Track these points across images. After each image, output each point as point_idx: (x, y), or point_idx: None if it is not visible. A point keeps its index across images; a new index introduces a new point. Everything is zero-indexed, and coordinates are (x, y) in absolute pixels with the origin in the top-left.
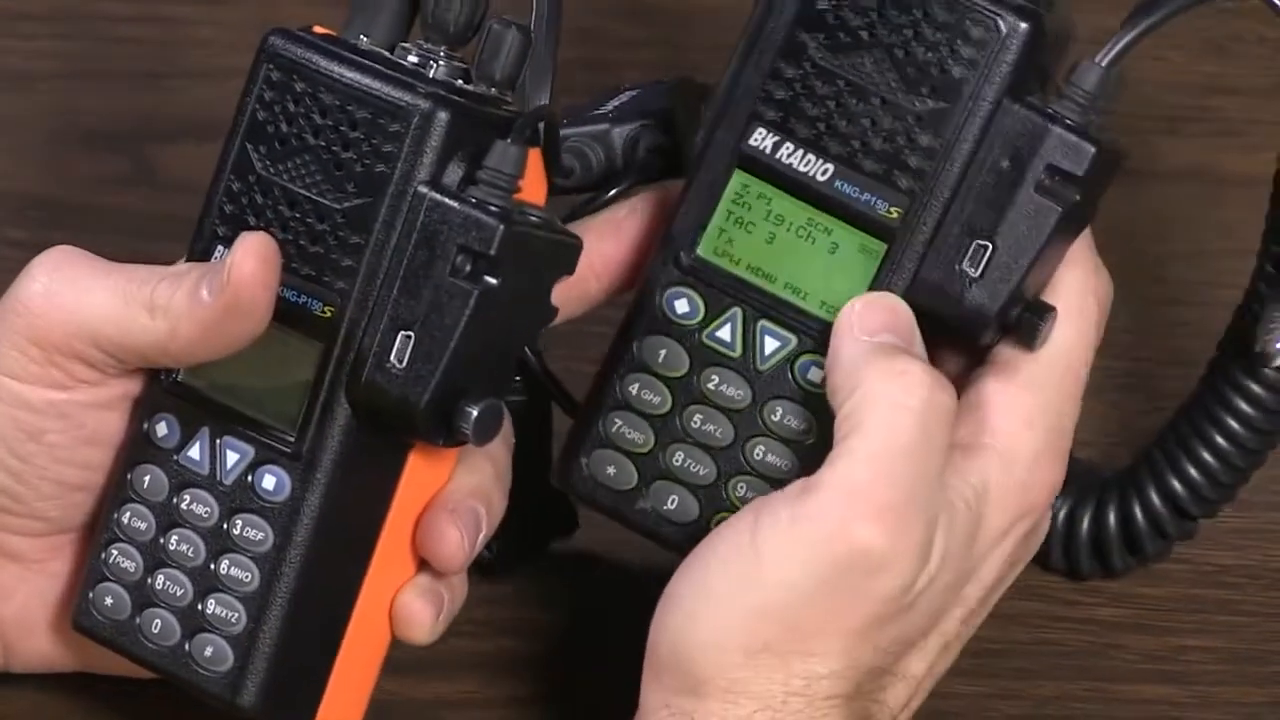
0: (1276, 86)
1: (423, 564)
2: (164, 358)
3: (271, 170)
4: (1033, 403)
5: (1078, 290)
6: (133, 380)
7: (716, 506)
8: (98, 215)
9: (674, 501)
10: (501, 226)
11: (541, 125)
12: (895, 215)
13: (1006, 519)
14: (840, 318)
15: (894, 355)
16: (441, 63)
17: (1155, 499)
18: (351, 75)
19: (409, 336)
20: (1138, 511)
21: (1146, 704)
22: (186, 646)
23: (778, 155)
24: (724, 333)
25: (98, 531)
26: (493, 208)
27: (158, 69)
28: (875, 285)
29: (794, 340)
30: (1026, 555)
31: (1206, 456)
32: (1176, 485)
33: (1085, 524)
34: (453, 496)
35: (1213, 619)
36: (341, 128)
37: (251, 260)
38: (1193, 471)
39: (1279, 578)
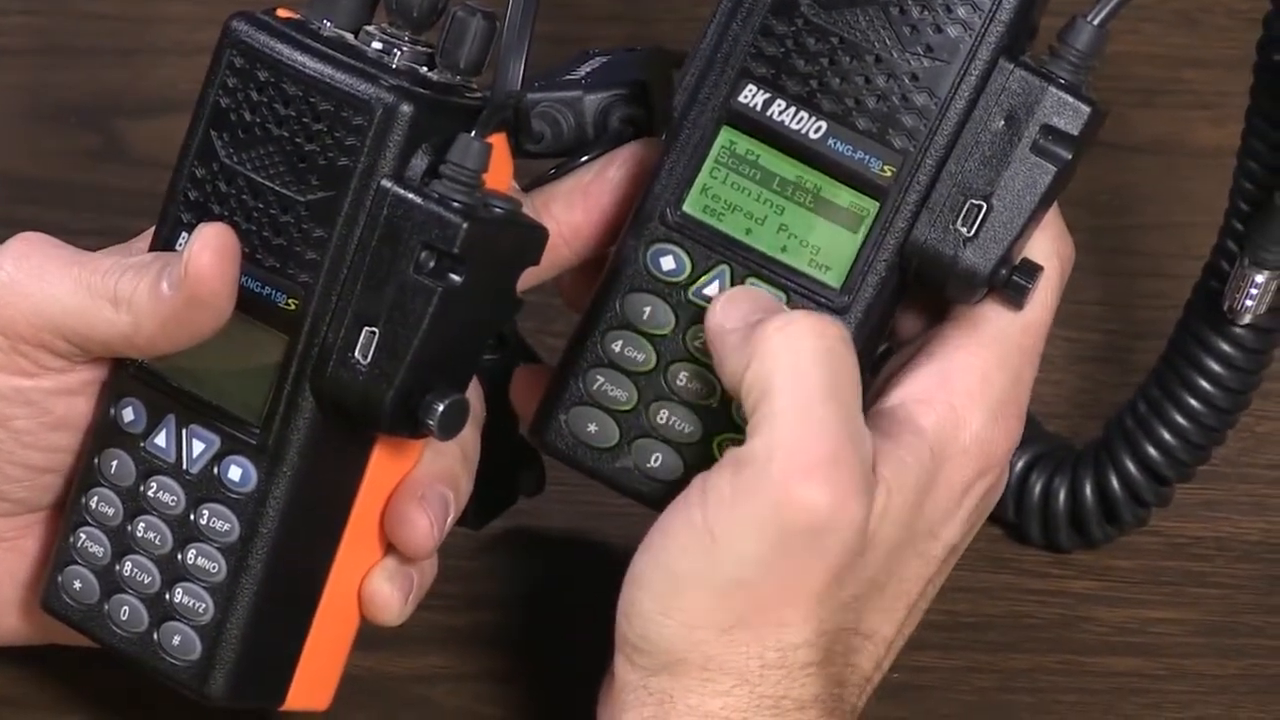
0: (1247, 59)
1: (390, 546)
2: (129, 349)
3: (235, 159)
4: (991, 361)
5: (1043, 253)
6: (100, 366)
7: (702, 463)
8: (69, 191)
9: (657, 459)
10: (465, 224)
11: (510, 110)
12: (888, 174)
13: (966, 475)
14: (709, 324)
15: (772, 316)
16: (405, 48)
17: (1131, 466)
18: (314, 65)
19: (373, 332)
20: (1114, 481)
21: (1117, 676)
22: (155, 635)
23: (768, 112)
24: (711, 289)
25: (66, 513)
26: (456, 204)
27: (129, 45)
28: (866, 244)
29: (784, 298)
30: (985, 513)
31: (1179, 419)
32: (1151, 451)
33: (1062, 498)
34: (420, 482)
35: (1183, 591)
36: (304, 119)
37: (209, 252)
38: (1167, 436)
39: (1249, 549)
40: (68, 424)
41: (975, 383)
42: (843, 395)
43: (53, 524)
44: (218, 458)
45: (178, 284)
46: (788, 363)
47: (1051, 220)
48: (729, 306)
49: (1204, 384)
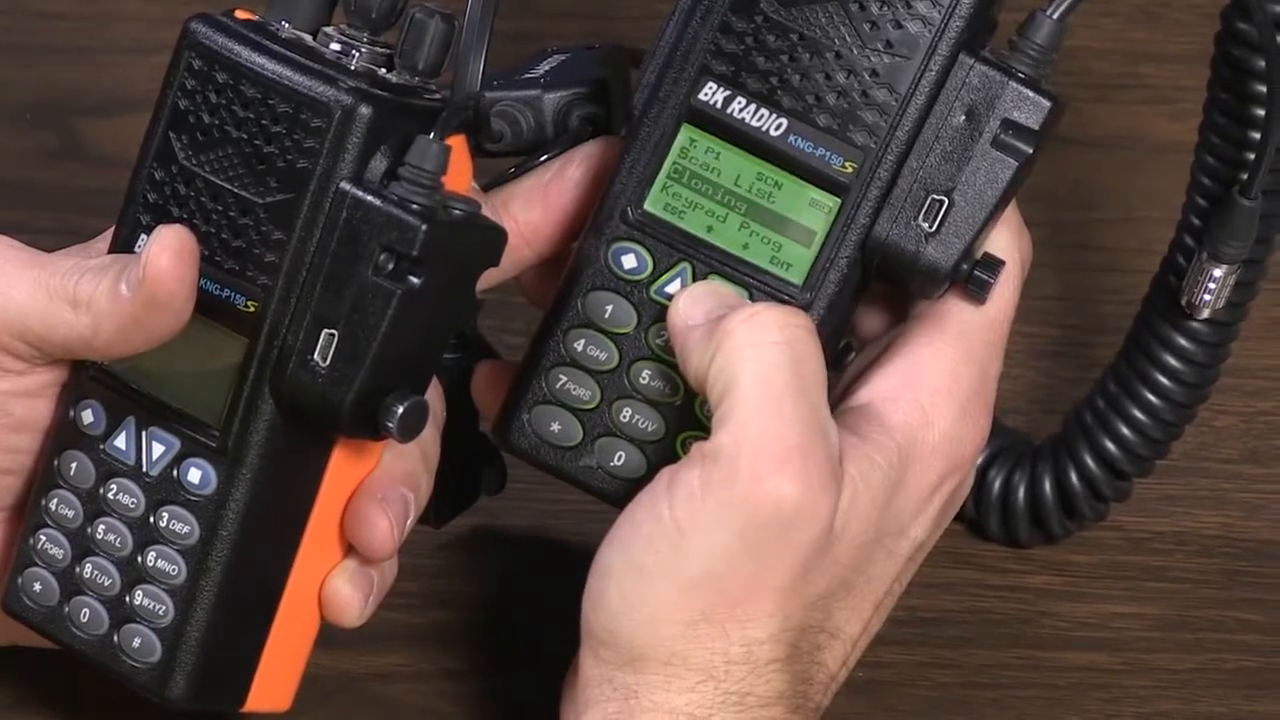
0: (1205, 53)
1: (351, 548)
2: (89, 351)
3: (193, 161)
4: (958, 357)
5: (1001, 248)
6: (59, 368)
7: (666, 461)
8: (27, 190)
9: (621, 457)
10: (424, 227)
11: (469, 112)
12: (849, 170)
13: (934, 474)
14: (672, 321)
15: (735, 310)
16: (364, 49)
17: (1089, 462)
18: (273, 67)
19: (332, 335)
20: (1073, 476)
21: (1078, 671)
22: (115, 637)
23: (729, 110)
24: (673, 287)
25: (26, 515)
26: (415, 206)
27: (85, 44)
28: (828, 240)
29: (746, 295)
30: (953, 511)
31: (1138, 414)
32: (1110, 446)
33: (1021, 493)
34: (381, 483)
35: (1143, 586)
36: (263, 121)
37: (166, 255)
38: (1125, 430)
39: (1208, 544)
40: (27, 426)
41: (943, 380)
42: (808, 387)
43: (13, 526)
44: (177, 460)
45: (136, 286)
46: (753, 355)
47: (1009, 215)
48: (692, 303)
49: (1162, 378)
